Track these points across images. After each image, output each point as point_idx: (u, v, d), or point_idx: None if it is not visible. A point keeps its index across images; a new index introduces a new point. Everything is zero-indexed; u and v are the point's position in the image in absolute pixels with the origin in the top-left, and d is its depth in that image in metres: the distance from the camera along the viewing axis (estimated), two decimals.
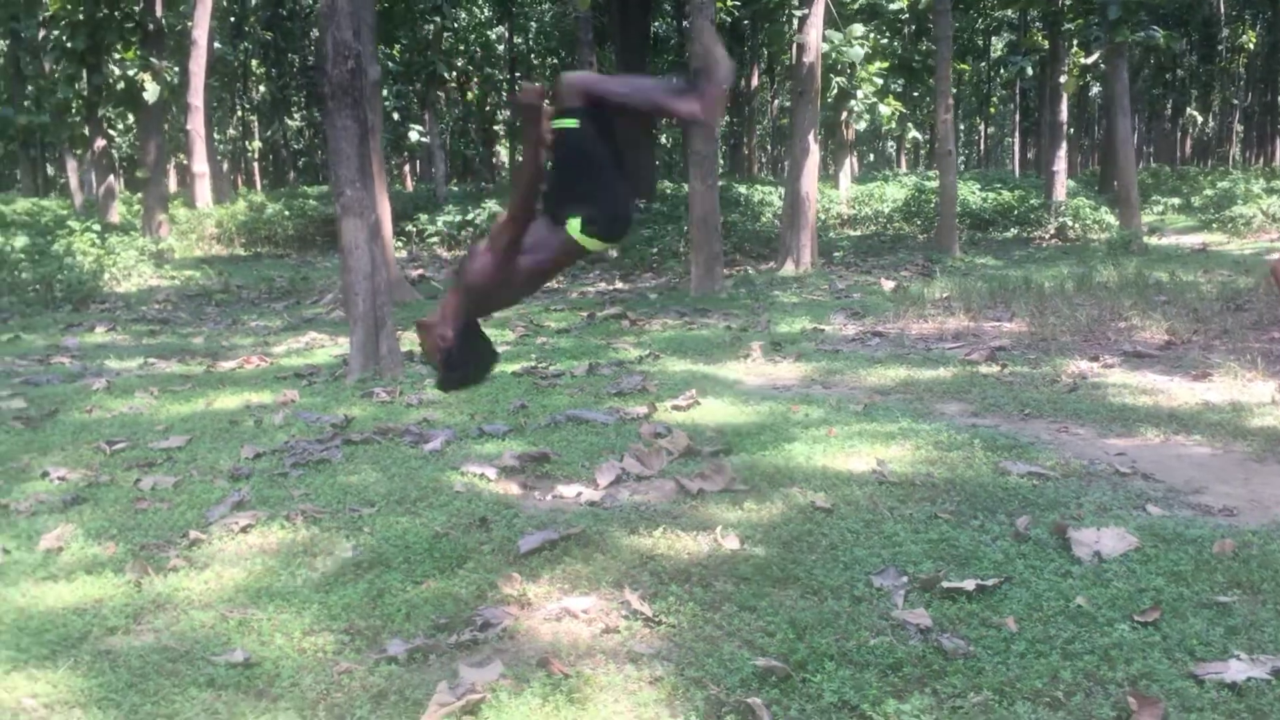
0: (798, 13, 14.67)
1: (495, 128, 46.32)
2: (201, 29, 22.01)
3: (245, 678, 3.23)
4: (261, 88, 40.78)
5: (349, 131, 7.23)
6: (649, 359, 8.51)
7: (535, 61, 43.27)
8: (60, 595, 3.89)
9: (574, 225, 3.26)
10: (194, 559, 4.22)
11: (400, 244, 20.83)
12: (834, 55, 18.57)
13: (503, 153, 50.99)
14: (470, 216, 20.22)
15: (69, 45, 18.12)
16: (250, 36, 37.81)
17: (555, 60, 42.19)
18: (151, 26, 18.52)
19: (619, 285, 14.48)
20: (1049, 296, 10.86)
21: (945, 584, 3.64)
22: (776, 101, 42.44)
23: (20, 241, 15.40)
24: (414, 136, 36.80)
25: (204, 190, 22.62)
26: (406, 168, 40.28)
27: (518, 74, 41.80)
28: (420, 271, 16.35)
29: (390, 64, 31.67)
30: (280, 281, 15.01)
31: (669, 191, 23.55)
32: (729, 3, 29.48)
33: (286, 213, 21.49)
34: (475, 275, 3.32)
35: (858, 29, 16.90)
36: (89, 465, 5.71)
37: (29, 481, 5.47)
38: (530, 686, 3.09)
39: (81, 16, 18.53)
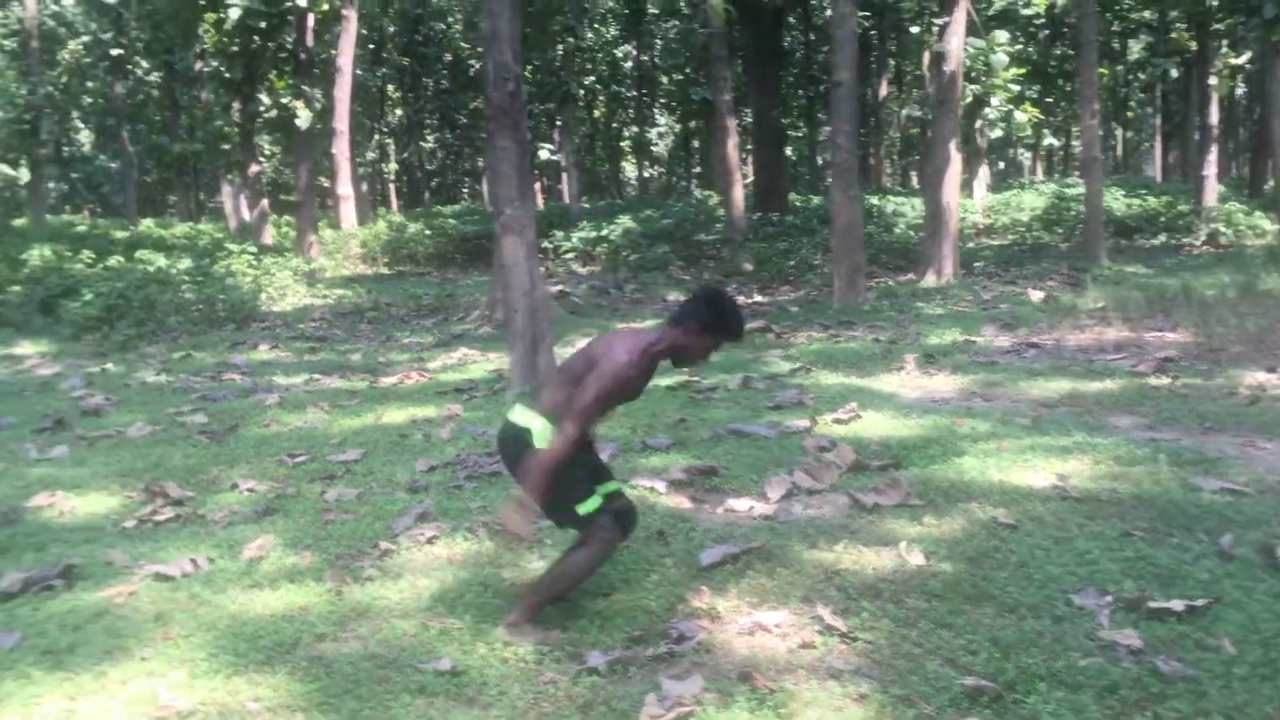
0: (938, 21, 14.44)
1: (622, 144, 46.79)
2: (346, 57, 22.79)
3: (454, 685, 3.32)
4: (398, 111, 42.00)
5: (509, 152, 7.40)
6: (801, 372, 8.47)
7: (662, 80, 43.54)
8: (267, 603, 4.06)
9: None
10: (386, 569, 4.37)
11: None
12: (971, 63, 18.22)
13: (628, 169, 51.51)
14: (604, 232, 20.44)
15: (227, 76, 19.04)
16: (388, 63, 39.02)
17: (680, 77, 42.38)
18: (303, 56, 19.30)
19: (757, 298, 14.45)
20: (1212, 305, 10.44)
21: (1151, 604, 3.53)
22: (905, 111, 41.80)
23: (184, 264, 16.17)
24: (544, 154, 37.45)
25: (348, 212, 23.38)
26: (537, 185, 40.92)
27: (644, 91, 42.18)
28: (560, 287, 16.57)
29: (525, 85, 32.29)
30: (427, 299, 15.42)
31: (799, 204, 23.42)
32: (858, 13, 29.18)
33: (428, 232, 22.07)
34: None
35: (1001, 35, 16.55)
36: (274, 478, 5.95)
37: (220, 493, 5.74)
38: (736, 701, 3.10)
39: (236, 48, 19.42)
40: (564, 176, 36.78)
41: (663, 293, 15.46)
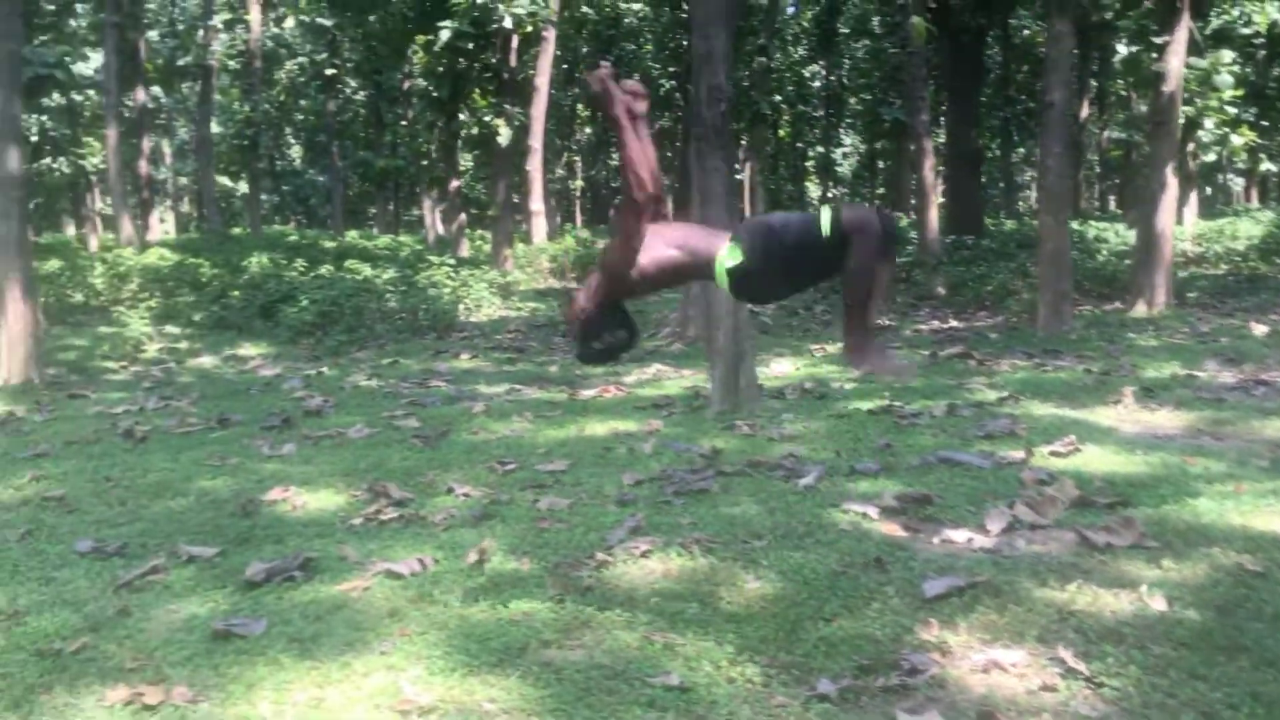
0: (1157, 40, 13.76)
1: (806, 164, 46.49)
2: (543, 76, 23.46)
3: (683, 702, 3.33)
4: (587, 130, 42.90)
5: (719, 172, 7.44)
6: (1009, 401, 8.18)
7: (849, 99, 43.06)
8: (493, 606, 4.17)
9: (723, 257, 3.16)
10: (604, 580, 4.42)
11: None
12: (1186, 84, 17.27)
13: (812, 189, 51.15)
14: None
15: (435, 94, 19.89)
16: (579, 82, 39.90)
17: (868, 97, 41.84)
18: (506, 76, 19.98)
19: (953, 323, 14.07)
20: None
21: None
22: (1107, 133, 40.07)
23: (388, 274, 16.92)
24: None
25: (540, 227, 24.02)
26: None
27: (830, 111, 41.83)
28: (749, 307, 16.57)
29: None
30: None
31: (991, 227, 22.76)
32: None
33: None
34: (607, 257, 3.39)
35: (1226, 55, 15.65)
36: (486, 484, 6.13)
37: (437, 496, 5.94)
38: None
39: (441, 69, 20.24)
40: (747, 196, 36.79)
41: None
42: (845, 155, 51.18)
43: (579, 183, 48.37)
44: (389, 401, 9.19)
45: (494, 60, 20.16)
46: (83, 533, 5.33)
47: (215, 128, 35.35)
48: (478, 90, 19.92)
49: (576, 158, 47.06)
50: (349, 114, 39.70)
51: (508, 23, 18.55)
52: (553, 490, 5.94)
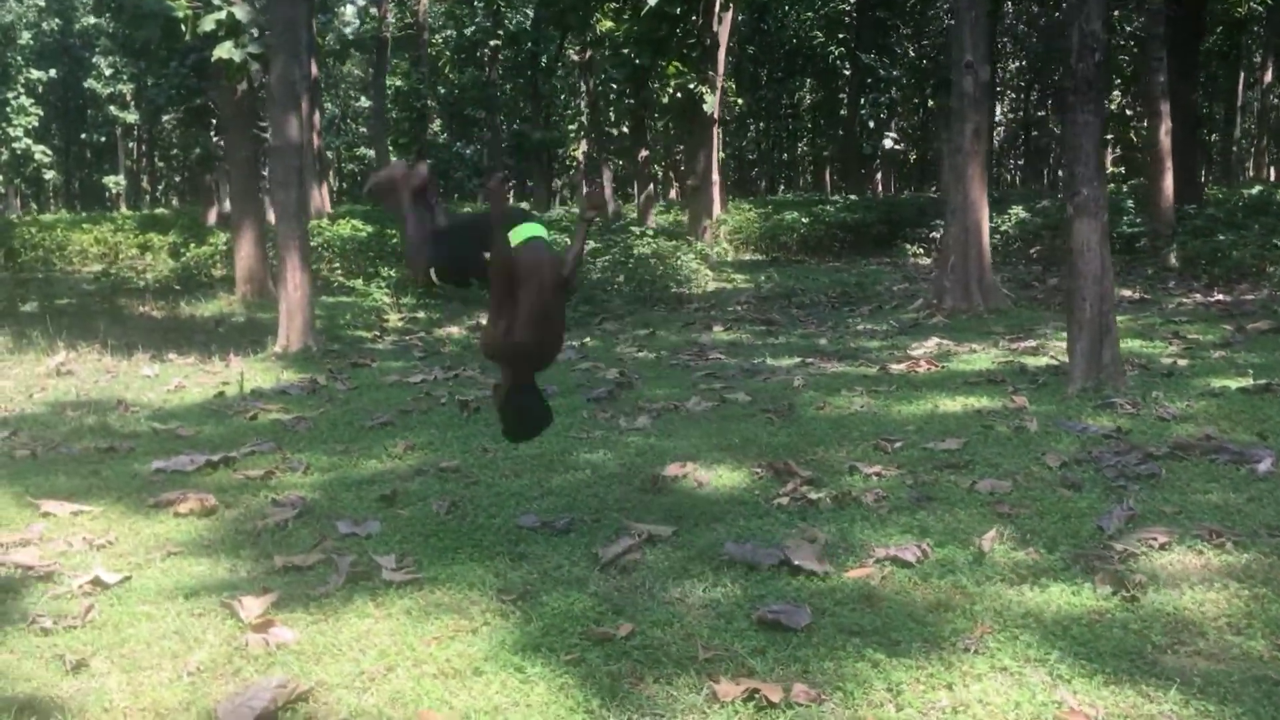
0: None
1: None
2: (722, 46, 22.95)
3: None
4: (739, 101, 42.28)
5: (1090, 128, 6.88)
6: None
7: (1011, 64, 41.57)
8: (1049, 602, 3.76)
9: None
10: (1150, 574, 3.96)
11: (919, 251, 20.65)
12: None
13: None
14: (994, 223, 19.50)
15: (637, 62, 19.50)
16: (731, 51, 39.32)
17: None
18: (708, 42, 19.51)
19: (1219, 296, 13.19)
20: None
21: None
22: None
23: (588, 245, 16.63)
24: (887, 144, 36.68)
25: (716, 198, 23.60)
26: (879, 175, 40.11)
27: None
28: None
29: (883, 71, 31.64)
30: (844, 287, 15.16)
31: (1217, 195, 21.56)
32: None
33: (805, 220, 21.82)
34: (485, 344, 4.43)
35: None
36: (886, 463, 5.69)
37: (840, 475, 5.54)
38: None
39: (639, 36, 19.83)
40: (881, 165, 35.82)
41: None
42: (994, 125, 49.62)
43: (720, 154, 47.82)
44: (683, 374, 8.87)
45: (697, 26, 19.69)
46: (501, 505, 5.10)
47: (366, 101, 35.58)
48: (679, 58, 19.44)
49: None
50: (509, 87, 39.74)
51: None
52: (969, 471, 5.50)
